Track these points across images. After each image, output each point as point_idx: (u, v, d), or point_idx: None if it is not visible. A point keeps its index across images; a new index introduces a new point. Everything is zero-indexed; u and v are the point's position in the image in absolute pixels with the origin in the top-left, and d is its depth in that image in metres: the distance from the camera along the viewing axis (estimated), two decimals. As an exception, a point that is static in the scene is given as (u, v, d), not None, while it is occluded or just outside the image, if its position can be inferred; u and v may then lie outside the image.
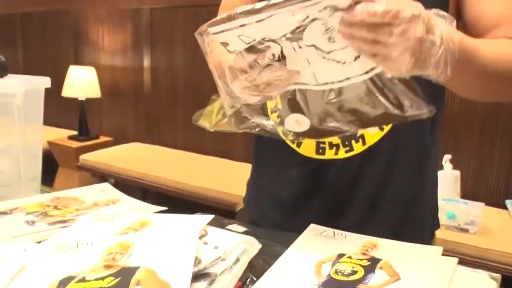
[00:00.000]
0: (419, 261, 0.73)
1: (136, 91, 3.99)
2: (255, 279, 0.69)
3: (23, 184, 1.19)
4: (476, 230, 2.04)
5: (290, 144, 0.99)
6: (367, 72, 0.70)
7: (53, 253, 0.69)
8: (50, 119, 1.22)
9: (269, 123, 0.85)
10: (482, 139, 2.49)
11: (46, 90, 1.26)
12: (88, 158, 3.51)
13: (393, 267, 0.70)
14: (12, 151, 1.18)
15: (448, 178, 2.35)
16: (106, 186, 1.11)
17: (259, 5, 0.61)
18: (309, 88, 0.75)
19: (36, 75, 4.30)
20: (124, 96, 4.09)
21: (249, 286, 0.67)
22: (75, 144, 3.76)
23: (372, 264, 0.72)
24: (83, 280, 0.60)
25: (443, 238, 1.99)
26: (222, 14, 0.69)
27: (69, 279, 0.60)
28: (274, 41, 0.67)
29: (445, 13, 0.67)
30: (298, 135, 0.84)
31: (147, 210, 0.96)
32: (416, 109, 0.73)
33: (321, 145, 0.96)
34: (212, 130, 0.92)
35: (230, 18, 0.63)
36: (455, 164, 2.34)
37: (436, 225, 1.08)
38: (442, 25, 0.65)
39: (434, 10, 0.67)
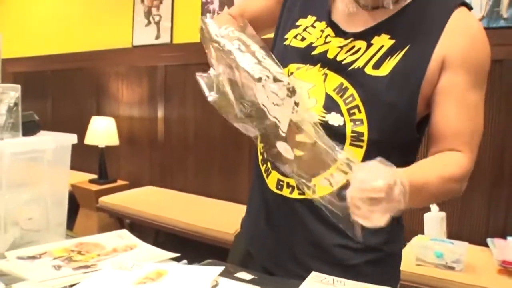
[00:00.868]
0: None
1: (151, 139, 4.02)
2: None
3: (50, 229, 1.19)
4: (461, 267, 2.03)
5: (263, 174, 1.04)
6: None
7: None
8: (73, 164, 1.22)
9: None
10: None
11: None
12: (106, 200, 3.52)
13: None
14: (41, 200, 1.18)
15: (435, 219, 2.35)
16: (124, 233, 1.11)
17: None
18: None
19: (62, 124, 4.38)
20: (140, 144, 4.12)
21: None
22: (95, 187, 3.76)
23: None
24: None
25: (432, 276, 2.00)
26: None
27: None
28: None
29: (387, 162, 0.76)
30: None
31: (162, 256, 0.96)
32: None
33: (281, 183, 1.00)
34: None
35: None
36: (441, 206, 2.34)
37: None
38: (399, 175, 0.74)
39: (379, 159, 0.76)
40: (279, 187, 1.00)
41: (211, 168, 3.63)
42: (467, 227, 2.51)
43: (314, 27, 1.02)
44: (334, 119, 0.93)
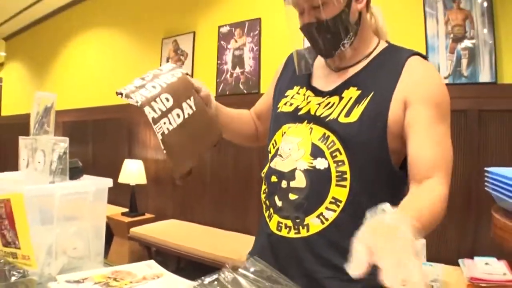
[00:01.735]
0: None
1: (173, 179, 3.98)
2: None
3: (91, 257, 1.19)
4: (439, 285, 2.02)
5: (267, 219, 1.04)
6: None
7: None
8: (108, 199, 1.25)
9: None
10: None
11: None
12: (136, 230, 3.52)
13: None
14: (84, 232, 1.19)
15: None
16: (152, 263, 1.10)
17: None
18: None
19: (101, 165, 4.43)
20: (164, 183, 4.12)
21: None
22: (126, 219, 3.77)
23: None
24: None
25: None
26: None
27: None
28: None
29: (389, 207, 0.68)
30: None
31: (185, 284, 0.95)
32: None
33: (280, 224, 0.99)
34: None
35: None
36: (420, 234, 2.34)
37: None
38: (405, 227, 0.63)
39: (382, 206, 0.67)
40: (279, 228, 1.00)
41: (225, 204, 3.62)
42: (442, 250, 2.50)
43: (299, 93, 1.07)
44: (320, 163, 0.94)
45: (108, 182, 1.23)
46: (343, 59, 1.02)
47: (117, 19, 4.83)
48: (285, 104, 1.09)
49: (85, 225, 1.20)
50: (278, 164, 1.01)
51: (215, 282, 0.76)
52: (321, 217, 0.94)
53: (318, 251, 0.94)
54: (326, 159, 0.94)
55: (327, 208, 0.93)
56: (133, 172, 3.89)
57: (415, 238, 0.63)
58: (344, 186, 0.93)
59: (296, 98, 1.07)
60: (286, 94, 1.11)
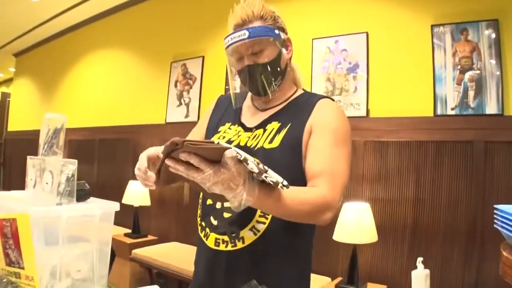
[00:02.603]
0: None
1: (177, 202, 4.01)
2: None
3: (95, 280, 1.19)
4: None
5: (203, 239, 1.20)
6: None
7: None
8: None
9: None
10: (445, 244, 2.48)
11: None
12: (138, 252, 3.50)
13: None
14: (89, 255, 1.18)
15: (420, 276, 2.31)
16: None
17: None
18: None
19: (105, 185, 4.41)
20: (168, 206, 4.11)
21: None
22: (129, 240, 3.76)
23: None
24: None
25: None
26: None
27: None
28: None
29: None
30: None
31: None
32: None
33: (218, 240, 1.15)
34: None
35: None
36: (425, 264, 2.32)
37: None
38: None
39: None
40: (217, 244, 1.15)
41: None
42: (447, 281, 2.47)
43: (230, 129, 1.27)
44: None
45: (115, 206, 1.25)
46: (269, 100, 1.25)
47: (127, 41, 4.92)
48: (218, 138, 1.26)
49: (90, 247, 1.20)
50: None
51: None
52: (253, 229, 1.12)
53: (255, 258, 1.11)
54: None
55: (257, 221, 1.12)
56: (137, 193, 3.89)
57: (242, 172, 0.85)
58: None
59: (228, 132, 1.27)
60: (219, 130, 1.30)
